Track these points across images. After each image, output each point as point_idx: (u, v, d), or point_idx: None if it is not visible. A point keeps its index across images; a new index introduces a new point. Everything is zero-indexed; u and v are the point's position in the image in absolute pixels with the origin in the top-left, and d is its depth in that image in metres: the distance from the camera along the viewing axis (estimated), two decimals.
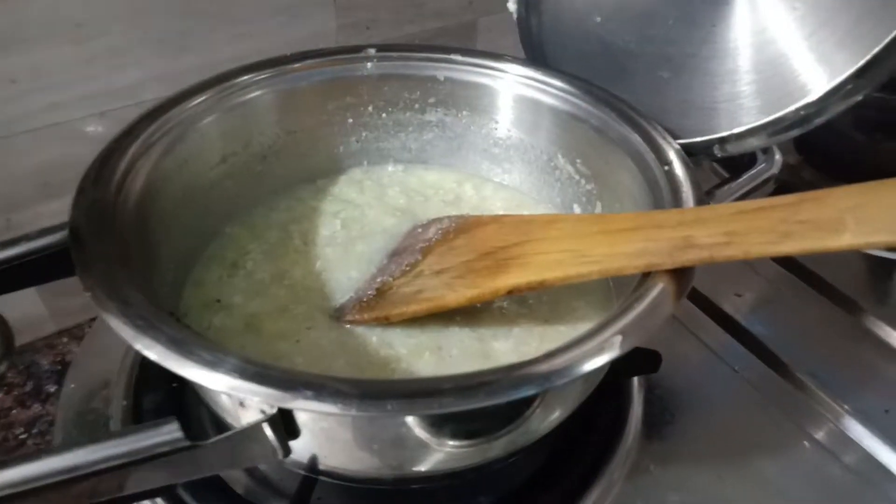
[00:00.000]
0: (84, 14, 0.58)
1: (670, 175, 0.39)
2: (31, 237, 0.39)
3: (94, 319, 0.70)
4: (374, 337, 0.41)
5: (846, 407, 0.49)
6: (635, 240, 0.35)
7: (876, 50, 0.39)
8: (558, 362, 0.28)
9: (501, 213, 0.52)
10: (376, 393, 0.27)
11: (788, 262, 0.61)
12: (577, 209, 0.50)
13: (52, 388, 0.65)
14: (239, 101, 0.47)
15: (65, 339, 0.70)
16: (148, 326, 0.29)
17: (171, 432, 0.29)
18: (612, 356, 0.29)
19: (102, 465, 0.27)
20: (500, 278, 0.38)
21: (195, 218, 0.45)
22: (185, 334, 0.29)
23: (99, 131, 0.64)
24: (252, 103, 0.48)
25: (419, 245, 0.46)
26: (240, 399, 0.30)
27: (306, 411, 0.28)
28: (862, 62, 0.40)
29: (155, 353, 0.28)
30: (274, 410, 0.29)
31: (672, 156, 0.41)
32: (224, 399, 0.34)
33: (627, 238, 0.35)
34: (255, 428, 0.30)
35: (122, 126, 0.64)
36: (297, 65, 0.49)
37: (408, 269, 0.44)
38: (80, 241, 0.33)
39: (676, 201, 0.37)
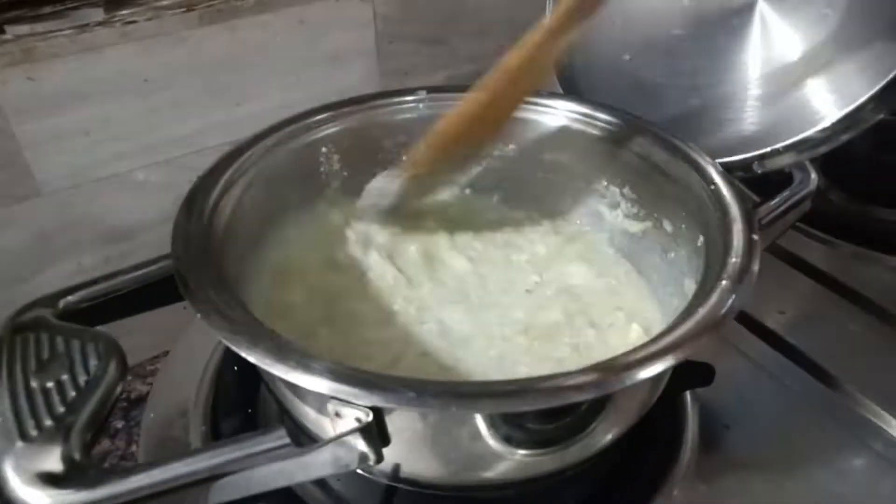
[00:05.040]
0: (150, 70, 0.63)
1: (717, 194, 0.42)
2: (125, 271, 0.43)
3: (156, 358, 0.73)
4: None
5: None
6: None
7: (891, 76, 0.43)
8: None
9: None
10: (472, 393, 0.29)
11: (827, 280, 0.63)
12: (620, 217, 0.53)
13: (119, 424, 0.68)
14: (305, 143, 0.51)
15: (129, 378, 0.73)
16: (266, 345, 0.32)
17: (280, 437, 0.32)
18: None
19: (224, 468, 0.30)
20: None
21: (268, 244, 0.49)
22: (289, 345, 0.32)
23: (161, 178, 0.68)
24: (317, 143, 0.52)
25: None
26: (336, 410, 0.33)
27: (404, 410, 0.30)
28: (877, 88, 0.43)
29: (271, 365, 0.31)
30: (370, 418, 0.32)
31: (714, 175, 0.43)
32: (313, 414, 0.37)
33: None
34: (351, 436, 0.32)
35: (183, 174, 0.68)
36: (355, 107, 0.53)
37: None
38: (184, 267, 0.37)
39: (725, 222, 0.40)
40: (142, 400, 0.70)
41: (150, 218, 0.69)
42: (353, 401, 0.30)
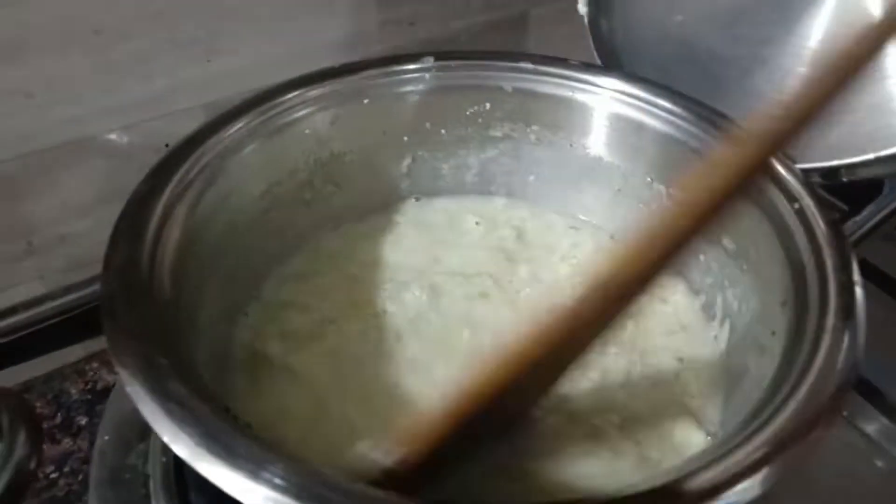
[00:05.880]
0: (102, 19, 0.53)
1: (801, 215, 0.33)
2: (55, 295, 0.34)
3: None
4: None
5: None
6: None
7: None
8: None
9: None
10: None
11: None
12: None
13: (83, 421, 0.61)
14: (283, 123, 0.41)
15: (95, 365, 0.65)
16: (207, 438, 0.23)
17: None
18: None
19: None
20: None
21: (237, 267, 0.40)
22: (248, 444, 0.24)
23: (124, 145, 0.59)
24: (298, 125, 0.42)
25: None
26: None
27: None
28: None
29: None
30: None
31: (801, 190, 0.34)
32: None
33: None
34: None
35: (149, 140, 0.59)
36: (346, 78, 0.43)
37: None
38: (114, 315, 0.28)
39: (814, 247, 0.31)
40: (109, 391, 0.63)
41: (113, 190, 0.60)
42: None
